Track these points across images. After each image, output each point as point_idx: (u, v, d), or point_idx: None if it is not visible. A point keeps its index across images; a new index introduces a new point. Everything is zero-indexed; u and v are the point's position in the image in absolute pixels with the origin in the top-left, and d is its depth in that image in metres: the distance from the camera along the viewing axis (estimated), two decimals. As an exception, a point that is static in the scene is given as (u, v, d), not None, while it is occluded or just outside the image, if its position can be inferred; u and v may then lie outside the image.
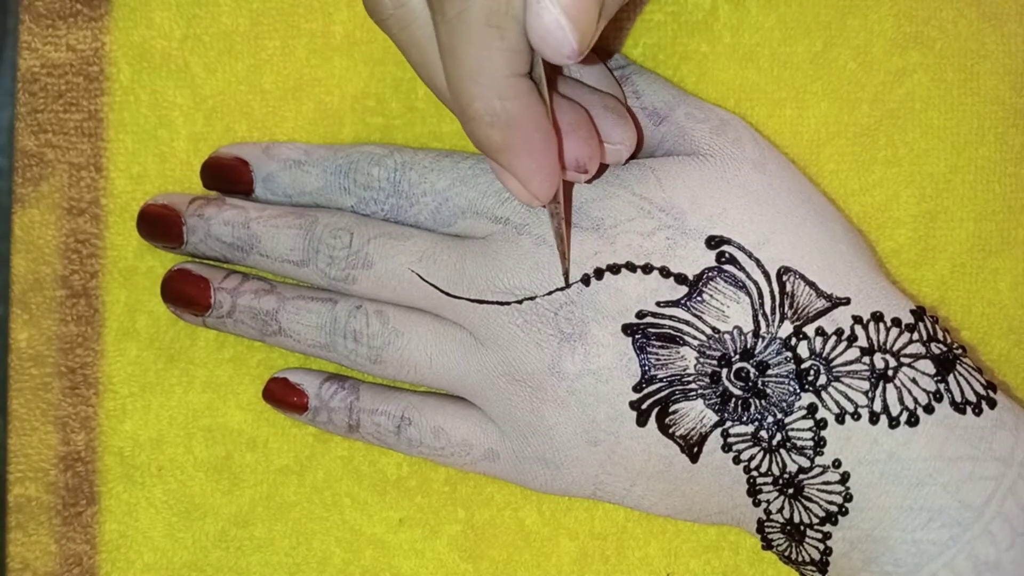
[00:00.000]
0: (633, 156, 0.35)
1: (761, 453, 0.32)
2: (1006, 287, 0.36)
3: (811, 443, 0.31)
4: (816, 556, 0.33)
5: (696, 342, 0.32)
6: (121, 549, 0.37)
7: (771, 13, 0.36)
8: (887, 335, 0.32)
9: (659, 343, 0.32)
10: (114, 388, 0.37)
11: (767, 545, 0.34)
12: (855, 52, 0.36)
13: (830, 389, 0.31)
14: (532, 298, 0.33)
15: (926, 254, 0.36)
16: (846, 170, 0.36)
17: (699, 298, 0.32)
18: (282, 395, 0.36)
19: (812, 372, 0.32)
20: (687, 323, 0.32)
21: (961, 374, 0.32)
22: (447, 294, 0.34)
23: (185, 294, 0.36)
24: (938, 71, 0.36)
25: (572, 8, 0.26)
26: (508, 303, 0.33)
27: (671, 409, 0.32)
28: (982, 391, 0.32)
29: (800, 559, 0.33)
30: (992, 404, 0.32)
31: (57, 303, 0.37)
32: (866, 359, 0.32)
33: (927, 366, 0.32)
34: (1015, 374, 0.37)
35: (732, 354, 0.32)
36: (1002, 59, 0.36)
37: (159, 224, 0.36)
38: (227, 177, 0.36)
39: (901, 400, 0.31)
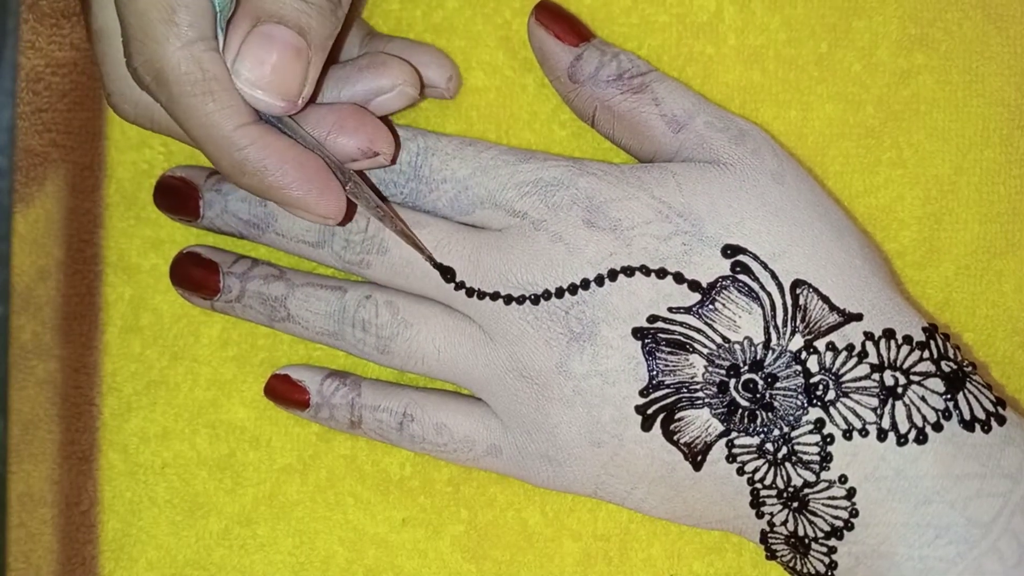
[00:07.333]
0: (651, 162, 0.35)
1: (766, 466, 0.32)
2: (1011, 289, 0.36)
3: (817, 458, 0.31)
4: (821, 569, 0.33)
5: (706, 350, 0.32)
6: (124, 547, 0.37)
7: (776, 15, 0.36)
8: (898, 352, 0.32)
9: (668, 349, 0.32)
10: (118, 386, 0.37)
11: (771, 555, 0.34)
12: (860, 54, 0.36)
13: (838, 404, 0.31)
14: (544, 295, 0.33)
15: (931, 256, 0.36)
16: (851, 171, 0.36)
17: (711, 306, 0.32)
18: (284, 391, 0.36)
19: (821, 387, 0.31)
20: (698, 331, 0.32)
21: (971, 391, 0.32)
22: (458, 285, 0.33)
23: (194, 277, 0.36)
24: (943, 73, 0.36)
25: (271, 86, 0.29)
26: (523, 299, 0.33)
27: (677, 416, 0.32)
28: (991, 408, 0.32)
29: (805, 571, 0.33)
30: (1001, 421, 0.32)
31: (60, 301, 0.37)
32: (876, 376, 0.32)
33: (936, 384, 0.32)
34: (1019, 376, 0.37)
35: (741, 364, 0.32)
36: (1007, 61, 0.36)
37: (177, 195, 0.36)
38: None
39: (910, 417, 0.31)
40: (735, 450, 0.32)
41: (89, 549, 0.37)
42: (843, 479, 0.31)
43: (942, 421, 0.31)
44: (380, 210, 0.32)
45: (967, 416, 0.32)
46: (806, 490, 0.32)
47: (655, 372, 0.32)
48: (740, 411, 0.32)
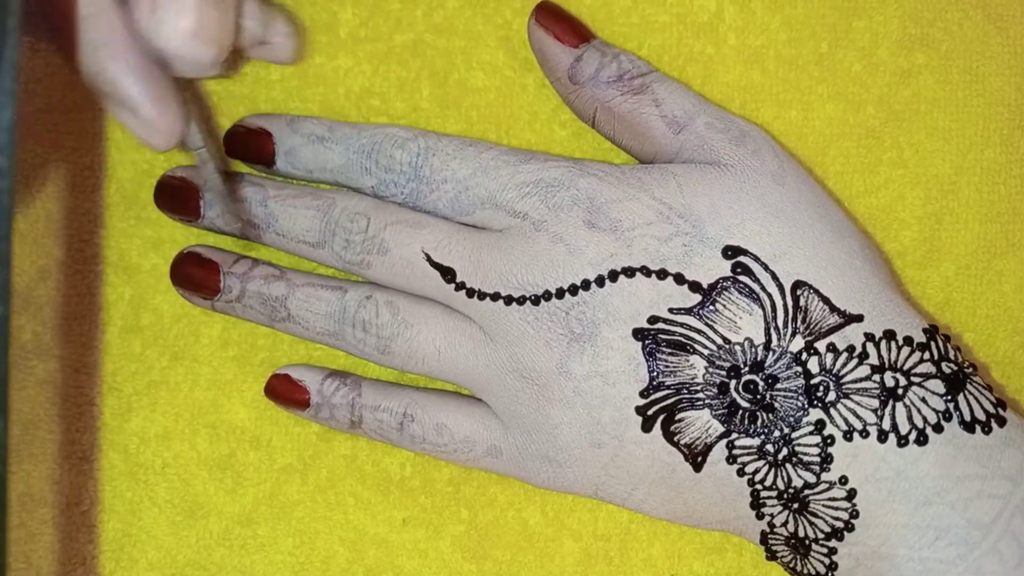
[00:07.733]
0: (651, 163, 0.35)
1: (766, 467, 0.32)
2: (1011, 289, 0.36)
3: (818, 459, 0.31)
4: (821, 570, 0.33)
5: (706, 351, 0.32)
6: (125, 547, 0.37)
7: (776, 14, 0.36)
8: (898, 354, 0.32)
9: (669, 350, 0.32)
10: (118, 386, 0.37)
11: (771, 556, 0.34)
12: (861, 53, 0.36)
13: (839, 406, 0.31)
14: (545, 296, 0.33)
15: (931, 256, 0.36)
16: (851, 171, 0.36)
17: (712, 307, 0.32)
18: (284, 391, 0.36)
19: (821, 388, 0.31)
20: (698, 332, 0.32)
21: (971, 393, 0.32)
22: (458, 286, 0.33)
23: (194, 277, 0.36)
24: (943, 73, 0.36)
25: (200, 35, 0.28)
26: (524, 299, 0.33)
27: (677, 417, 0.32)
28: (992, 409, 0.32)
29: (805, 572, 0.33)
30: (1001, 422, 0.32)
31: (60, 301, 0.37)
32: (876, 377, 0.32)
33: (937, 385, 0.32)
34: (1019, 376, 0.37)
35: (742, 366, 0.32)
36: (1008, 61, 0.36)
37: (178, 196, 0.36)
38: (251, 145, 0.36)
39: (910, 419, 0.31)
40: (735, 451, 0.32)
41: (89, 549, 0.37)
42: (843, 480, 0.31)
43: (942, 422, 0.31)
44: (207, 154, 0.32)
45: (967, 417, 0.32)
46: (806, 491, 0.32)
47: (655, 373, 0.32)
48: (740, 412, 0.32)
